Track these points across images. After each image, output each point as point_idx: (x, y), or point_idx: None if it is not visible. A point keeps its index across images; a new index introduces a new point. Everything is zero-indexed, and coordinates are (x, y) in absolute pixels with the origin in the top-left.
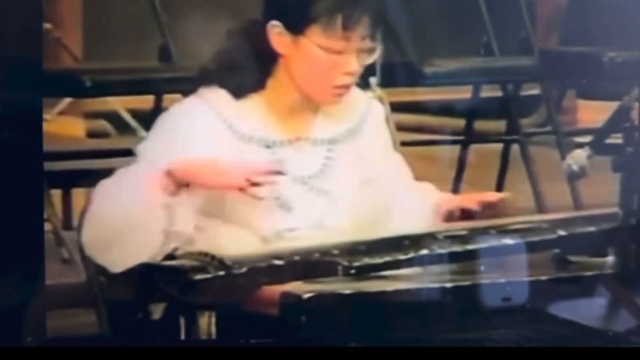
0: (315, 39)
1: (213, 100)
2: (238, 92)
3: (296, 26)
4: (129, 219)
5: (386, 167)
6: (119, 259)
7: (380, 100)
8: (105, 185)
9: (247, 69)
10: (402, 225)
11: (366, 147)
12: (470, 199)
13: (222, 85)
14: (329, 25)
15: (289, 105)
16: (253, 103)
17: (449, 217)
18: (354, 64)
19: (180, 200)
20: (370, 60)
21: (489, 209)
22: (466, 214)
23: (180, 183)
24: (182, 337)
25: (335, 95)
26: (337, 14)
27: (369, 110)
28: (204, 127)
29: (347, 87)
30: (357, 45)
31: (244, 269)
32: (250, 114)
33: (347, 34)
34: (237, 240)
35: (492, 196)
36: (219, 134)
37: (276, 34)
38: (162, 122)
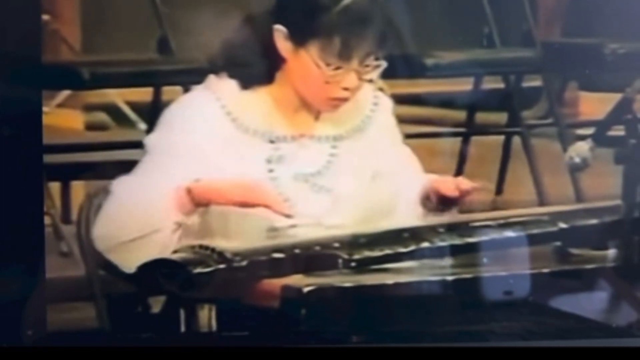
0: (313, 54)
1: (219, 92)
2: (247, 83)
3: (297, 37)
4: (141, 224)
5: (394, 161)
6: (130, 258)
7: (382, 92)
8: (124, 183)
9: (257, 60)
10: (405, 220)
11: (373, 142)
12: (445, 185)
13: (231, 75)
14: (326, 45)
15: (294, 102)
16: (259, 97)
17: (426, 201)
18: (353, 81)
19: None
20: (373, 75)
21: (464, 196)
22: (442, 200)
23: (199, 203)
24: (182, 330)
25: (332, 106)
26: (336, 36)
27: (376, 105)
28: (208, 120)
29: (344, 99)
30: (356, 66)
31: (244, 262)
32: (255, 108)
33: (345, 56)
34: (237, 234)
35: (467, 184)
36: (223, 126)
37: (280, 37)
38: (170, 113)
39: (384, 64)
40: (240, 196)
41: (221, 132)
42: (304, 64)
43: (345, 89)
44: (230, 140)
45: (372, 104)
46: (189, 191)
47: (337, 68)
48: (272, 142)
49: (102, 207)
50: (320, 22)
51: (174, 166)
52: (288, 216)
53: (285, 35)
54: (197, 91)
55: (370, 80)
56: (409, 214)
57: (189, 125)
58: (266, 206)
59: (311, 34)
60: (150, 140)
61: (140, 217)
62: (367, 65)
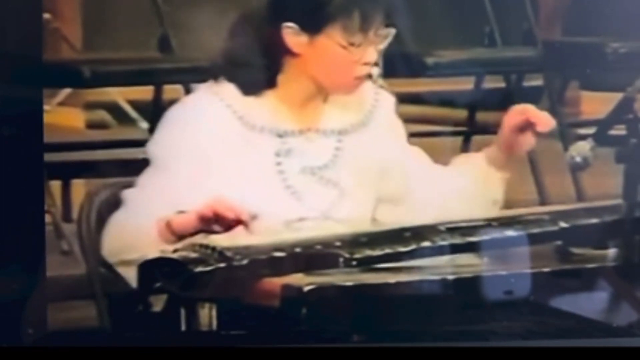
0: (334, 36)
1: (222, 93)
2: (248, 89)
3: (313, 26)
4: (132, 248)
5: (399, 154)
6: (131, 275)
7: (382, 89)
8: (130, 195)
9: (257, 68)
10: (416, 215)
11: (377, 136)
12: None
13: (232, 81)
14: (347, 22)
15: (299, 98)
16: (263, 97)
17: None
18: (373, 54)
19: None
20: (385, 44)
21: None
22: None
23: (180, 235)
24: (183, 329)
25: (355, 86)
26: (355, 11)
27: (378, 101)
28: (214, 120)
29: (365, 77)
30: (374, 37)
31: (244, 261)
32: (260, 106)
33: (365, 28)
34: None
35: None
36: (230, 125)
37: (291, 34)
38: (171, 118)
39: (393, 31)
40: (204, 214)
41: (228, 130)
42: (326, 50)
43: (366, 63)
44: (238, 137)
45: (373, 100)
46: (168, 224)
47: (358, 46)
48: (280, 136)
49: (107, 219)
50: (334, 3)
51: (162, 194)
52: (245, 225)
53: (296, 30)
54: (199, 93)
55: (370, 76)
56: (417, 208)
57: (195, 126)
58: (219, 215)
59: (328, 18)
60: (153, 146)
61: (132, 241)
62: (379, 35)
